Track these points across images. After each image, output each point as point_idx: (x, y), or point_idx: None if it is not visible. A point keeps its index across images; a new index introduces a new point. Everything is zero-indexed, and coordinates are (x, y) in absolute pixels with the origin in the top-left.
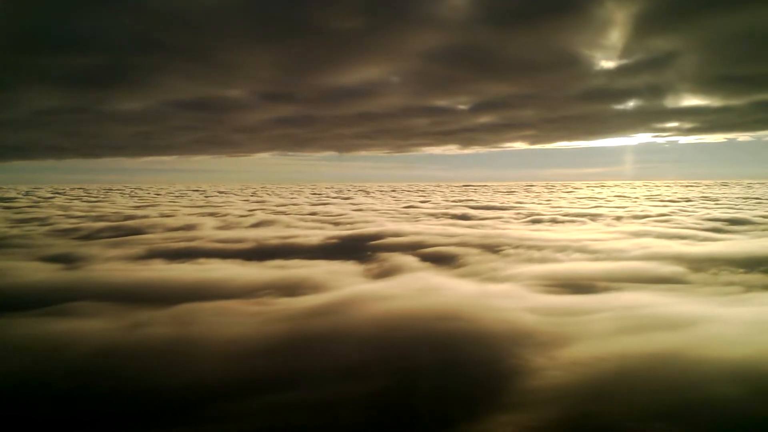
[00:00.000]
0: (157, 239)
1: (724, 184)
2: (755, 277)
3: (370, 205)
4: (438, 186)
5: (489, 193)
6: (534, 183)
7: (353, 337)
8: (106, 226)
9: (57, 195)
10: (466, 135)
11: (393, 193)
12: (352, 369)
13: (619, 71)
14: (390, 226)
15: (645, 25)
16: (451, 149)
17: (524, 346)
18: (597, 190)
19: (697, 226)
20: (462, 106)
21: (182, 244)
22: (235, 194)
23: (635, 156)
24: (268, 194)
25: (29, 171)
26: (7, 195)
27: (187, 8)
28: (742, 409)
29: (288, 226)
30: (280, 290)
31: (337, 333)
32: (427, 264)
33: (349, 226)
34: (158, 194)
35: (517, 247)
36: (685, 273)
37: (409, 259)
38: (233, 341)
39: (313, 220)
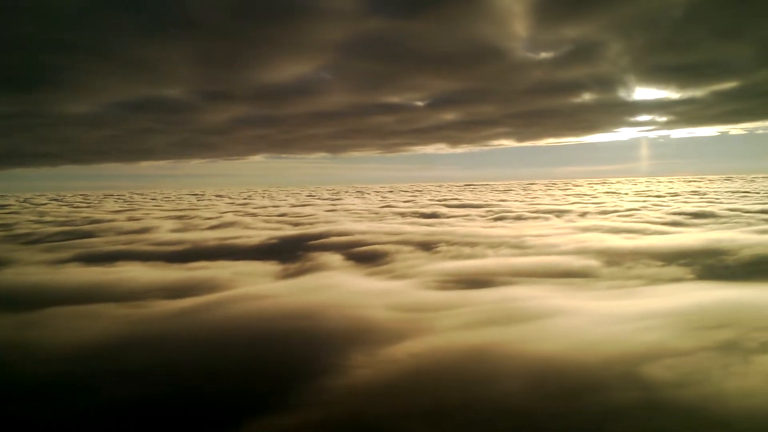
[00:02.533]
0: (98, 243)
1: (728, 179)
2: (668, 270)
3: (348, 206)
4: (440, 186)
5: (481, 192)
6: (537, 181)
7: (190, 339)
8: (60, 230)
9: (53, 201)
10: (442, 133)
11: (388, 194)
12: (162, 371)
13: (551, 64)
14: (345, 225)
15: (556, 15)
16: (442, 148)
17: (357, 344)
18: (595, 186)
19: (658, 220)
20: (418, 103)
21: (118, 247)
22: (230, 197)
23: (637, 152)
24: (261, 197)
25: (49, 178)
26: (4, 202)
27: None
28: (518, 405)
29: (246, 227)
30: (171, 292)
31: (180, 335)
32: (350, 262)
33: (307, 226)
34: (153, 199)
35: (453, 244)
36: (597, 267)
37: (336, 258)
38: (65, 345)
39: (277, 221)
